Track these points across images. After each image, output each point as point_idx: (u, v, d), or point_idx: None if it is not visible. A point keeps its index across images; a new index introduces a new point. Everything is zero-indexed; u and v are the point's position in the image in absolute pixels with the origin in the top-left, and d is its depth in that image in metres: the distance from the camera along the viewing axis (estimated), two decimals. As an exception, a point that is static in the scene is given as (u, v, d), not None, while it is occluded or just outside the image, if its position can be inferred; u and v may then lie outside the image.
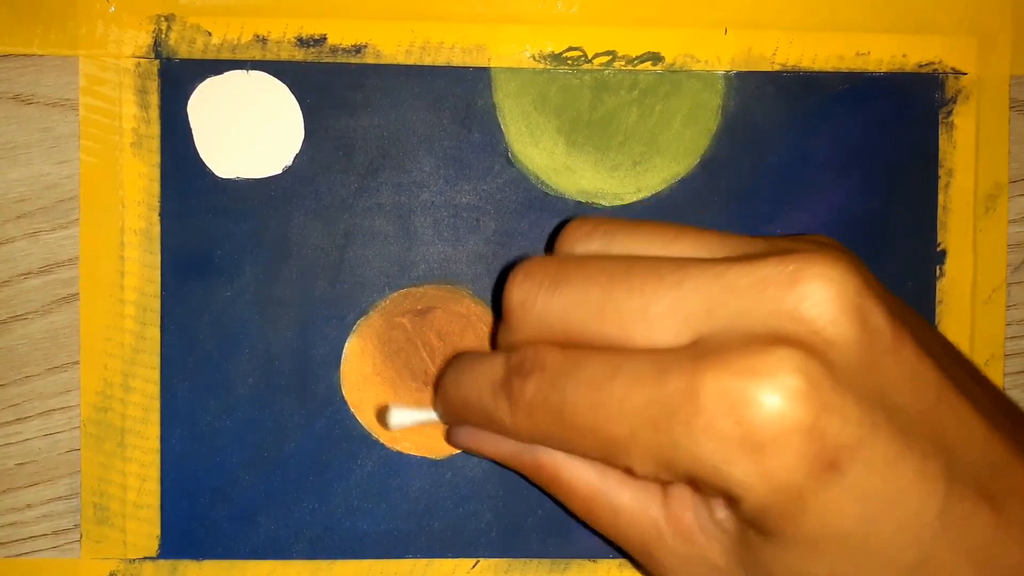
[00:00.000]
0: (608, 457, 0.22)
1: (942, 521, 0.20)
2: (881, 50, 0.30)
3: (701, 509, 0.23)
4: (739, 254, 0.21)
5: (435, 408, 0.27)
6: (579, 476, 0.24)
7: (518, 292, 0.23)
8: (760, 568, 0.21)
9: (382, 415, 0.28)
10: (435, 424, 0.27)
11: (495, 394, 0.23)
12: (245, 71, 0.29)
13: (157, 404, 0.29)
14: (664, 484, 0.23)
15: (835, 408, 0.19)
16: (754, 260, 0.20)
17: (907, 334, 0.20)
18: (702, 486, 0.21)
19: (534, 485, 0.26)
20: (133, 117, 0.29)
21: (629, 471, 0.22)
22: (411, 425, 0.27)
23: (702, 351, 0.20)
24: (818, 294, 0.19)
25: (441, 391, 0.26)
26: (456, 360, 0.25)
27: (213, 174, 0.29)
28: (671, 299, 0.20)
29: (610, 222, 0.24)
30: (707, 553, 0.23)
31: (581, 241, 0.24)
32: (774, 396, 0.19)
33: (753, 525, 0.21)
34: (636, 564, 0.28)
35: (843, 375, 0.19)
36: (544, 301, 0.22)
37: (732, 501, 0.20)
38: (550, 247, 0.29)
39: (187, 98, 0.29)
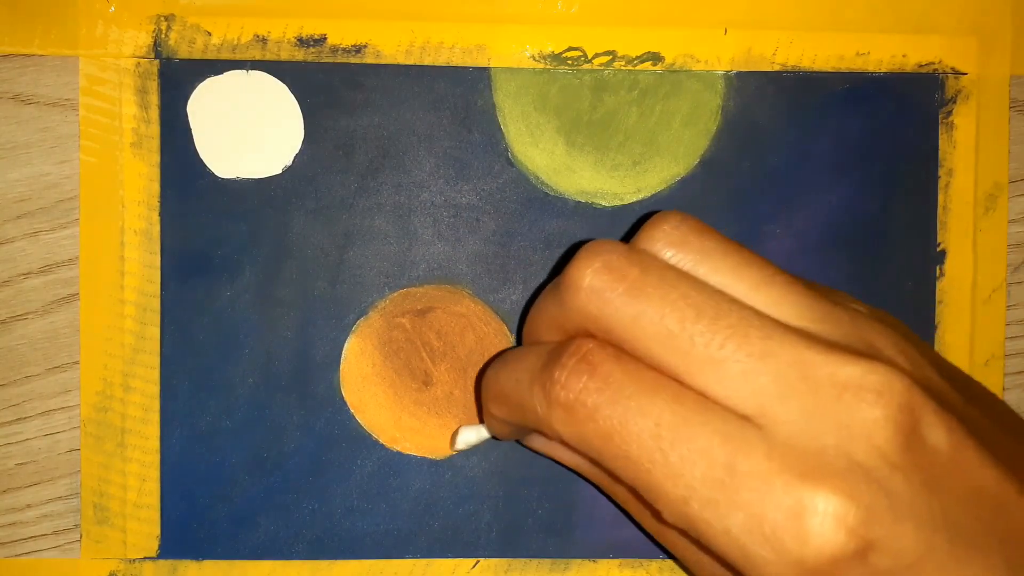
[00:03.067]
0: (644, 494, 0.21)
1: None
2: (881, 50, 0.30)
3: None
4: (822, 329, 0.21)
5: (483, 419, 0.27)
6: None
7: (590, 278, 0.21)
8: None
9: (453, 439, 0.28)
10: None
11: (531, 384, 0.22)
12: (245, 71, 0.29)
13: (157, 404, 0.29)
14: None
15: (892, 538, 0.19)
16: (836, 354, 0.20)
17: (967, 446, 0.20)
18: (718, 556, 0.21)
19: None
20: (133, 117, 0.29)
21: (654, 510, 0.21)
22: (477, 443, 0.28)
23: (777, 447, 0.20)
24: (887, 414, 0.19)
25: (483, 388, 0.25)
26: (499, 354, 0.25)
27: (213, 174, 0.29)
28: (750, 366, 0.20)
29: (704, 236, 0.22)
30: None
31: (671, 248, 0.22)
32: (835, 528, 0.19)
33: None
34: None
35: (902, 503, 0.19)
36: (615, 302, 0.21)
37: None
38: (555, 246, 0.29)
39: (187, 98, 0.29)
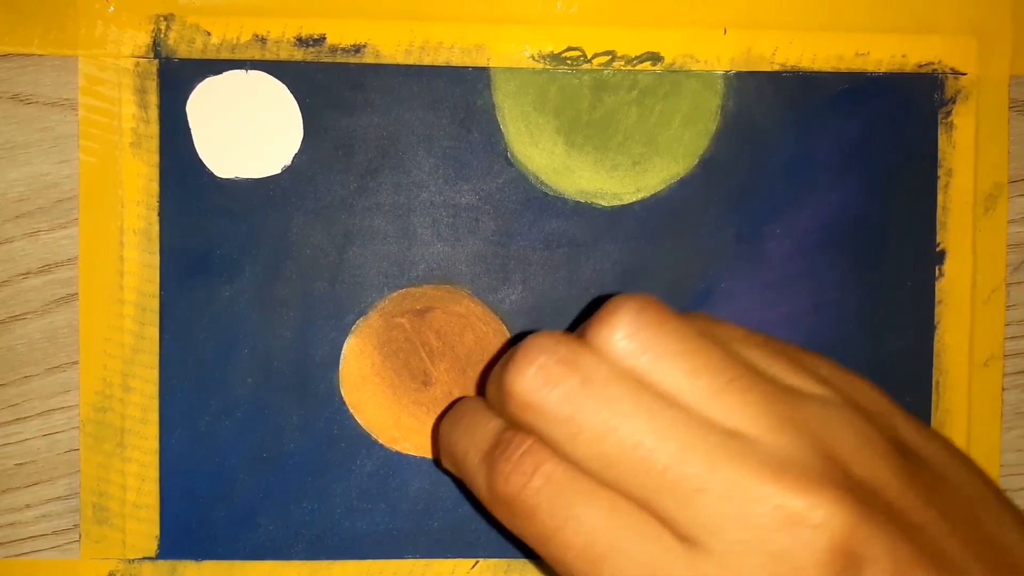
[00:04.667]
0: None
1: None
2: (881, 50, 0.30)
3: None
4: (776, 443, 0.20)
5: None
6: None
7: (524, 386, 0.21)
8: None
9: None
10: None
11: (479, 463, 0.22)
12: (244, 71, 0.29)
13: (156, 404, 0.29)
14: None
15: None
16: (780, 482, 0.19)
17: (913, 567, 0.20)
18: None
19: None
20: (132, 117, 0.29)
21: None
22: None
23: None
24: (822, 555, 0.19)
25: (438, 439, 0.25)
26: (458, 407, 0.25)
27: (213, 174, 0.29)
28: (686, 497, 0.20)
29: (661, 333, 0.21)
30: None
31: (623, 347, 0.21)
32: None
33: None
34: None
35: None
36: (548, 414, 0.20)
37: None
38: (554, 246, 0.29)
39: (186, 98, 0.29)
